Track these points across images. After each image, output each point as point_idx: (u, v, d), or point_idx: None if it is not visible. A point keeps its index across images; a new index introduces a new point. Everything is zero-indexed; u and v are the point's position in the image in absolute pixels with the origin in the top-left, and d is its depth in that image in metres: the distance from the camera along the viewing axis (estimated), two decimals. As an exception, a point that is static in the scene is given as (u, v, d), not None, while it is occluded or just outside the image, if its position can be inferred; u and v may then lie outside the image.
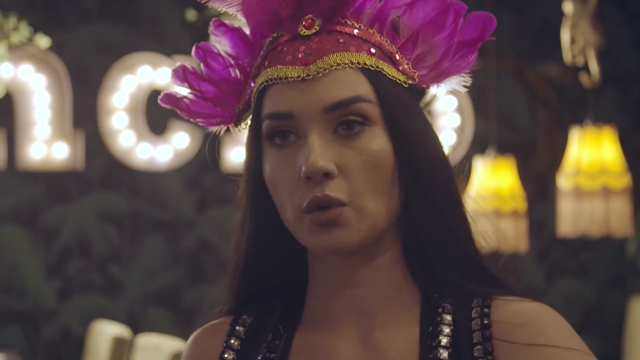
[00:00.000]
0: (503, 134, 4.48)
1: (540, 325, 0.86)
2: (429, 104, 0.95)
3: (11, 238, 4.25)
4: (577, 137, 3.39)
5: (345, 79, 0.88)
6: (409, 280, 0.92)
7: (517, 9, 4.74)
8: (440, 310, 0.90)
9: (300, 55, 0.89)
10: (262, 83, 0.91)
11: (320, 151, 0.86)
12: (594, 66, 3.43)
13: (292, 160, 0.88)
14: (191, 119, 0.97)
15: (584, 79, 3.53)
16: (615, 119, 4.00)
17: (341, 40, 0.90)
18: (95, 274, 4.33)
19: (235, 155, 4.37)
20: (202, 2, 0.95)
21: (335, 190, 0.86)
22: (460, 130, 4.63)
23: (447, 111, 4.65)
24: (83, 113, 4.26)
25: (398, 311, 0.91)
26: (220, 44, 0.96)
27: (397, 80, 0.90)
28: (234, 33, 0.95)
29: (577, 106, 4.62)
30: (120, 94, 4.29)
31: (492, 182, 3.72)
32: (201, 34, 4.24)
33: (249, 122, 0.95)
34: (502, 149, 3.80)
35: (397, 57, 0.91)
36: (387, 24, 0.92)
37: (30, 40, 4.03)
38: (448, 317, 0.89)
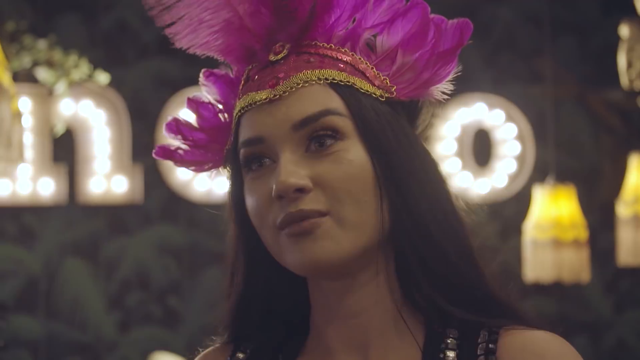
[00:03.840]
0: (564, 161, 4.39)
1: (548, 358, 0.83)
2: (428, 122, 0.94)
3: (73, 271, 4.32)
4: (637, 164, 3.30)
5: (313, 95, 0.88)
6: (409, 309, 0.89)
7: (577, 34, 4.67)
8: (443, 346, 0.87)
9: (268, 79, 0.89)
10: (237, 114, 0.91)
11: (291, 169, 0.85)
12: (652, 91, 3.34)
13: (266, 184, 0.88)
14: (185, 168, 0.99)
15: (642, 104, 3.44)
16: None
17: (310, 60, 0.89)
18: (155, 306, 4.37)
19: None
20: (190, 51, 0.97)
21: (310, 203, 0.85)
22: (521, 158, 4.55)
23: (508, 139, 4.58)
24: (142, 147, 4.33)
25: (398, 343, 0.89)
26: (210, 92, 0.98)
27: (372, 94, 0.89)
28: (222, 79, 0.97)
29: (638, 132, 4.51)
30: (178, 128, 4.34)
31: (552, 211, 3.65)
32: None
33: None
34: (563, 177, 3.73)
35: (372, 72, 0.90)
36: (360, 43, 0.91)
37: (90, 76, 4.12)
38: (451, 354, 0.86)
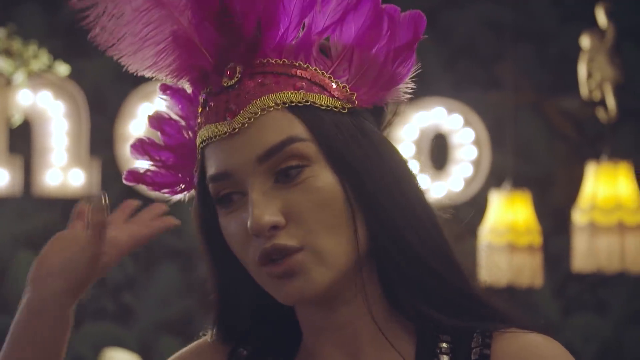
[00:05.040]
0: (520, 168, 4.46)
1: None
2: (388, 122, 0.91)
3: (25, 264, 4.25)
4: (593, 172, 3.37)
5: (273, 123, 0.84)
6: (398, 318, 0.88)
7: (536, 42, 4.74)
8: (437, 350, 0.87)
9: (224, 109, 0.86)
10: (199, 145, 0.88)
11: (263, 205, 0.83)
12: (610, 101, 3.41)
13: (240, 219, 0.85)
14: (158, 191, 0.95)
15: (600, 113, 3.51)
16: (632, 154, 3.97)
17: (263, 82, 0.85)
18: (109, 301, 4.33)
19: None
20: (136, 72, 0.93)
21: (285, 238, 0.83)
22: (477, 163, 4.61)
23: (465, 144, 4.64)
24: (100, 140, 4.28)
25: (390, 350, 0.87)
26: (170, 107, 0.94)
27: (334, 108, 0.86)
28: (179, 94, 0.93)
29: (595, 141, 4.59)
30: (137, 122, 4.31)
31: (508, 216, 3.71)
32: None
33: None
34: (518, 182, 3.78)
35: (331, 82, 0.87)
36: (313, 51, 0.87)
37: (49, 67, 4.07)
38: (445, 358, 0.86)
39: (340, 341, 0.89)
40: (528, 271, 3.65)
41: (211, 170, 0.87)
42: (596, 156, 3.49)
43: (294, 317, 0.93)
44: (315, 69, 0.87)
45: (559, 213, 4.59)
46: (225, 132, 0.85)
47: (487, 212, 3.84)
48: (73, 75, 4.18)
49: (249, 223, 0.83)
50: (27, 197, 4.21)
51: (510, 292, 4.41)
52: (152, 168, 0.95)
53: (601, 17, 3.41)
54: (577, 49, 3.64)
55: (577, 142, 4.75)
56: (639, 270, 3.35)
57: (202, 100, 0.89)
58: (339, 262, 0.85)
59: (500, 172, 4.29)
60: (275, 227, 0.83)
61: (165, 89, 0.94)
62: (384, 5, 0.87)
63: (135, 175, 0.96)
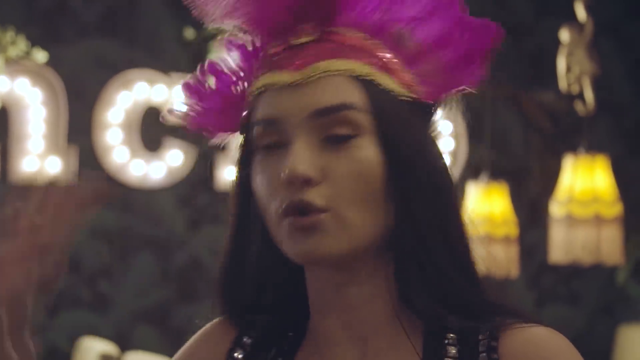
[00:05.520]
0: (497, 160, 4.49)
1: (546, 355, 0.85)
2: (435, 124, 0.92)
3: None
4: (571, 164, 3.41)
5: (335, 86, 0.86)
6: (406, 312, 0.89)
7: (513, 35, 4.77)
8: (445, 342, 0.87)
9: (292, 62, 0.87)
10: (255, 90, 0.90)
11: (302, 157, 0.84)
12: (588, 94, 3.45)
13: (276, 166, 0.86)
14: (199, 131, 0.96)
15: (578, 107, 3.54)
16: (608, 147, 4.02)
17: (336, 49, 0.87)
18: (84, 289, 4.31)
19: (228, 173, 4.36)
20: (208, 20, 0.93)
21: (314, 196, 0.84)
22: (453, 155, 4.64)
23: (442, 135, 4.66)
24: (78, 128, 4.25)
25: (397, 340, 0.88)
26: (228, 59, 0.95)
27: (396, 93, 0.88)
28: (240, 49, 0.94)
29: (570, 134, 4.64)
30: (115, 110, 4.29)
31: (485, 207, 3.73)
32: (199, 53, 4.25)
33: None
34: (495, 175, 3.81)
35: (398, 69, 0.88)
36: (390, 35, 0.89)
37: (27, 54, 4.04)
38: (453, 350, 0.86)
39: (349, 324, 0.89)
40: (504, 262, 3.68)
41: (261, 114, 0.88)
42: (573, 149, 3.52)
43: (302, 300, 0.93)
44: (387, 52, 0.88)
45: (535, 205, 4.64)
46: (287, 82, 0.87)
47: (464, 204, 3.86)
48: (51, 62, 4.15)
49: (284, 168, 0.84)
50: (2, 184, 4.18)
51: (485, 283, 4.44)
52: (197, 108, 0.95)
53: (580, 11, 3.45)
54: (555, 42, 3.67)
55: (554, 134, 4.80)
56: (614, 263, 3.39)
57: (268, 51, 0.91)
58: (359, 234, 0.86)
59: (478, 164, 4.32)
60: (307, 182, 0.84)
61: (227, 41, 0.95)
62: (464, 13, 0.90)
63: (191, 89, 0.95)
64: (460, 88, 0.91)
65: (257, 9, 0.89)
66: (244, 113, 0.92)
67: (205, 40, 4.19)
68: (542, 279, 4.92)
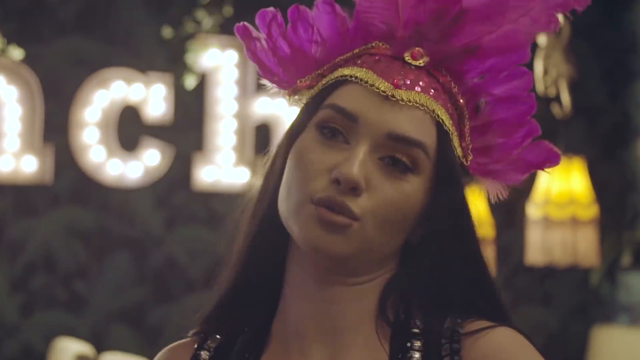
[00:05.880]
0: (473, 161, 4.51)
1: (505, 355, 0.87)
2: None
3: (-24, 251, 4.19)
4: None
5: (421, 121, 0.89)
6: (379, 319, 0.92)
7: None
8: (408, 345, 0.90)
9: (394, 75, 0.89)
10: (345, 76, 0.91)
11: (362, 164, 0.87)
12: (565, 97, 3.48)
13: (329, 154, 0.88)
14: (251, 61, 0.96)
15: (555, 110, 3.57)
16: (583, 150, 4.06)
17: (435, 87, 0.91)
18: (60, 289, 4.28)
19: (206, 174, 4.35)
20: None
21: (354, 203, 0.87)
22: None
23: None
24: (54, 127, 4.22)
25: (368, 336, 0.91)
26: (318, 20, 0.95)
27: (456, 152, 0.92)
28: (336, 18, 0.94)
29: (547, 136, 4.67)
30: (92, 109, 4.26)
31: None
32: (176, 52, 4.24)
33: (304, 100, 0.94)
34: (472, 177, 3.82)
35: (466, 133, 0.93)
36: (474, 101, 0.94)
37: (2, 51, 4.00)
38: (417, 355, 0.89)
39: (323, 319, 0.91)
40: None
41: (343, 102, 0.89)
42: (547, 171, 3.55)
43: (268, 300, 0.95)
44: (467, 114, 0.93)
45: (509, 207, 4.67)
46: (384, 92, 0.89)
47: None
48: (27, 60, 4.12)
49: (341, 167, 0.86)
50: (-23, 183, 4.14)
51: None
52: (263, 43, 0.95)
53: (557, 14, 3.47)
54: (532, 45, 3.70)
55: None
56: (590, 264, 3.43)
57: (370, 46, 0.92)
58: (374, 249, 0.89)
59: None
60: (355, 189, 0.86)
61: (328, 2, 0.95)
62: (531, 119, 0.95)
63: (247, 33, 0.96)
64: (498, 180, 0.95)
65: (382, 11, 0.91)
66: (308, 80, 0.93)
67: (182, 39, 4.18)
68: (517, 280, 4.96)
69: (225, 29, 4.12)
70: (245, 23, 0.96)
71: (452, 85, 0.92)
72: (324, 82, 0.93)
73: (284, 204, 0.90)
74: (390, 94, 0.88)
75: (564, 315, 5.00)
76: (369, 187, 0.87)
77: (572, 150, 3.55)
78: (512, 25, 0.91)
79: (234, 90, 4.38)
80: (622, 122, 4.86)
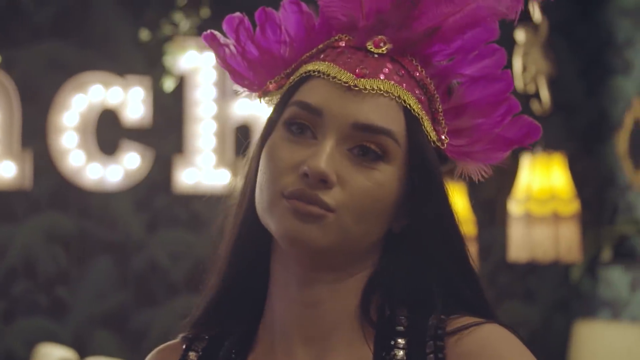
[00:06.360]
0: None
1: (490, 351, 0.87)
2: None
3: (-45, 258, 4.15)
4: (528, 163, 3.45)
5: (386, 109, 0.88)
6: (361, 319, 0.91)
7: (467, 36, 4.81)
8: (392, 343, 0.89)
9: (356, 65, 0.89)
10: (309, 71, 0.90)
11: (329, 158, 0.86)
12: (544, 94, 3.49)
13: (297, 151, 0.88)
14: (223, 69, 0.96)
15: (534, 106, 3.59)
16: (562, 146, 4.08)
17: (400, 73, 0.90)
18: (41, 295, 4.24)
19: (186, 176, 4.34)
20: None
21: (327, 195, 0.86)
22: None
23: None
24: (32, 132, 4.19)
25: (353, 336, 0.90)
26: (285, 19, 0.95)
27: (429, 137, 0.90)
28: (303, 17, 0.94)
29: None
30: (70, 113, 4.24)
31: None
32: (154, 54, 4.22)
33: (274, 100, 0.94)
34: (452, 175, 3.83)
35: (439, 117, 0.91)
36: (445, 83, 0.92)
37: (-22, 57, 3.97)
38: (400, 353, 0.89)
39: (307, 320, 0.91)
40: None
41: (307, 98, 0.89)
42: (530, 148, 3.56)
43: (253, 301, 0.95)
44: (437, 97, 0.91)
45: (490, 204, 4.68)
46: (347, 82, 0.88)
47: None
48: (3, 65, 4.08)
49: (309, 162, 0.86)
50: (-45, 189, 4.11)
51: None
52: (232, 49, 0.95)
53: (535, 11, 3.49)
54: (511, 42, 3.71)
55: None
56: (572, 260, 3.44)
57: (333, 40, 0.92)
58: (352, 240, 0.88)
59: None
60: (323, 182, 0.86)
61: (293, 2, 0.95)
62: (511, 95, 0.93)
63: (214, 40, 0.96)
64: (478, 162, 0.93)
65: (342, 2, 0.91)
66: (277, 81, 0.93)
67: (160, 41, 4.16)
68: (499, 277, 4.98)
69: (202, 30, 4.07)
70: (212, 31, 0.97)
71: (419, 69, 0.91)
72: (290, 80, 0.93)
73: (259, 203, 0.90)
74: (352, 84, 0.88)
75: (546, 311, 5.02)
76: (340, 180, 0.87)
77: (551, 146, 3.57)
78: (475, 4, 0.90)
79: (213, 92, 4.37)
80: (600, 117, 4.89)
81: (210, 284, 0.96)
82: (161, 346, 0.99)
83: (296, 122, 0.89)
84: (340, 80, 0.88)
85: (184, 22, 4.09)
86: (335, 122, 0.87)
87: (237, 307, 0.95)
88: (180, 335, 0.98)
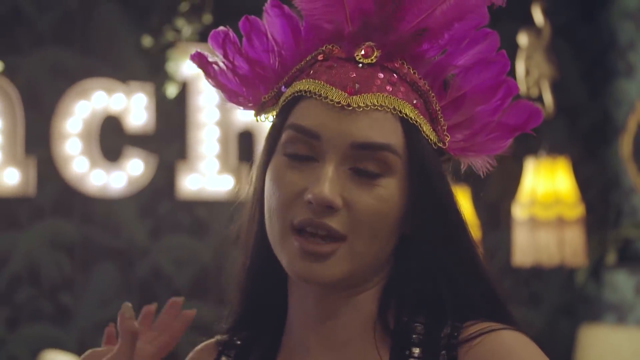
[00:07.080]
0: (456, 163, 4.52)
1: (504, 358, 0.86)
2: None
3: (-41, 266, 4.15)
4: (532, 167, 3.44)
5: (383, 122, 0.86)
6: (378, 330, 0.91)
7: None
8: (407, 353, 0.89)
9: (348, 82, 0.86)
10: (300, 91, 0.88)
11: (333, 182, 0.85)
12: (547, 97, 3.49)
13: (300, 177, 0.86)
14: (215, 89, 0.93)
15: (538, 110, 3.58)
16: (565, 149, 4.07)
17: (392, 81, 0.87)
18: (46, 302, 4.24)
19: (189, 182, 4.34)
20: None
21: (335, 222, 0.85)
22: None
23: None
24: (36, 138, 4.19)
25: (368, 347, 0.90)
26: (270, 25, 0.92)
27: (430, 139, 0.89)
28: (287, 20, 0.91)
29: (529, 136, 4.69)
30: (74, 120, 4.24)
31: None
32: (157, 61, 4.22)
33: (270, 118, 0.92)
34: (458, 178, 3.83)
35: (438, 116, 0.89)
36: (440, 79, 0.90)
37: (-18, 64, 3.97)
38: (417, 350, 0.88)
39: (325, 333, 0.91)
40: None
41: (302, 121, 0.87)
42: (533, 152, 3.56)
43: (278, 313, 0.95)
44: (434, 97, 0.89)
45: (493, 208, 4.68)
46: (339, 103, 0.85)
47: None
48: (6, 72, 4.09)
49: (311, 190, 0.84)
50: (-41, 197, 4.11)
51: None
52: (221, 65, 0.92)
53: (537, 15, 3.49)
54: (513, 46, 3.71)
55: (514, 138, 4.84)
56: (577, 264, 3.43)
57: (320, 51, 0.89)
58: (364, 262, 0.88)
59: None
60: (330, 207, 0.84)
61: (275, 5, 0.92)
62: (508, 77, 0.90)
63: (202, 59, 0.94)
64: (481, 153, 0.92)
65: (322, 7, 0.88)
66: (271, 96, 0.90)
67: (162, 48, 4.16)
68: (504, 282, 4.97)
69: (205, 36, 4.08)
70: (199, 50, 0.94)
71: (411, 72, 0.88)
72: (282, 99, 0.90)
73: (270, 234, 0.89)
74: (345, 103, 0.85)
75: (551, 315, 5.01)
76: (346, 202, 0.85)
77: (556, 150, 3.56)
78: None
79: (216, 98, 4.37)
80: (603, 121, 4.88)
81: (232, 300, 0.96)
82: (200, 345, 1.00)
83: (295, 146, 0.87)
84: (332, 100, 0.86)
85: (186, 28, 4.09)
86: (334, 144, 0.86)
87: (262, 317, 0.95)
88: (216, 338, 0.99)
